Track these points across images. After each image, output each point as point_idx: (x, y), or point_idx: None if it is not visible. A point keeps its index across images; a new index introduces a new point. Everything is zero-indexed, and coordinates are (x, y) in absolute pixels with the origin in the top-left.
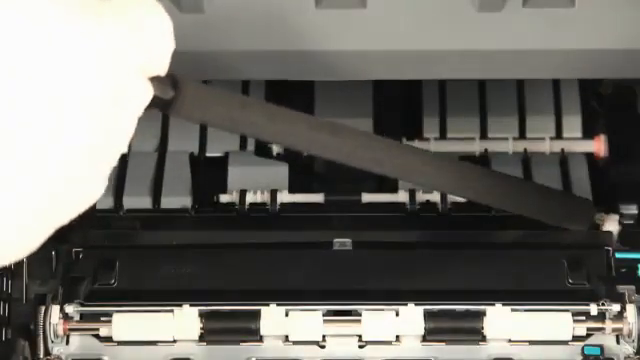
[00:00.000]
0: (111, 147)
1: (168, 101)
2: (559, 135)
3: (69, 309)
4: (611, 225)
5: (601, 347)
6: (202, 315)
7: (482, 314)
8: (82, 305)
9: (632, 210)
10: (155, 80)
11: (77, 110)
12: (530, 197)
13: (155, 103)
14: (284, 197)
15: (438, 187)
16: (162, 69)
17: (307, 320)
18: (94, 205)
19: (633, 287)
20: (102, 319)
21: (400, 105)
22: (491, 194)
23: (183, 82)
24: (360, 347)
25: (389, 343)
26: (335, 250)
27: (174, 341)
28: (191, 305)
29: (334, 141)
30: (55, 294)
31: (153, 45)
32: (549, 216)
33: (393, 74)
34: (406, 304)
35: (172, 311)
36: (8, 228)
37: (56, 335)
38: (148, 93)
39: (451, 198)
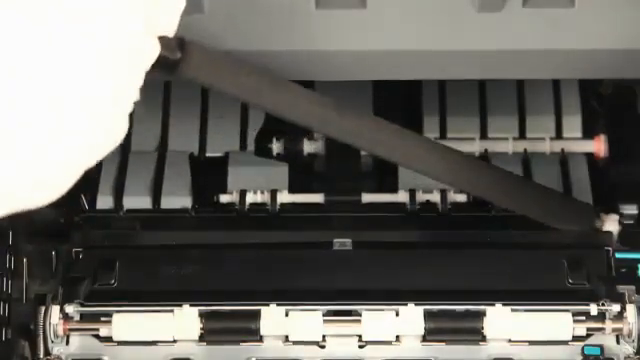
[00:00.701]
0: (121, 96)
1: (175, 62)
2: (559, 135)
3: (69, 309)
4: (611, 225)
5: (601, 347)
6: (202, 315)
7: (482, 314)
8: (82, 305)
9: (632, 210)
10: (163, 40)
11: (89, 61)
12: (530, 195)
13: (161, 63)
14: (284, 197)
15: (440, 176)
16: (171, 29)
17: (307, 320)
18: (94, 205)
19: (633, 287)
20: (102, 319)
21: (400, 105)
22: (490, 189)
23: (190, 44)
24: (360, 347)
25: (389, 343)
26: (335, 250)
27: (174, 341)
28: (191, 305)
29: (336, 117)
30: (55, 294)
31: (162, 2)
32: (548, 216)
33: (393, 74)
34: (406, 304)
35: (172, 311)
36: (42, 166)
37: (56, 335)
38: (155, 50)
39: (451, 198)
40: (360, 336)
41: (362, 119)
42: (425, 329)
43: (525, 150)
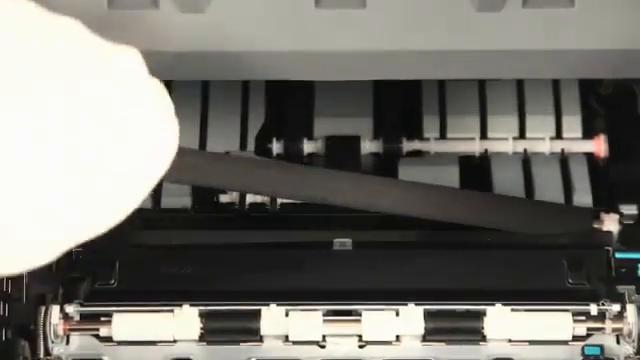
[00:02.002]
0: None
1: None
2: (559, 135)
3: (69, 309)
4: (611, 225)
5: (601, 347)
6: (202, 315)
7: (482, 314)
8: (82, 305)
9: (632, 210)
10: None
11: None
12: (514, 212)
13: None
14: None
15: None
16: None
17: (307, 320)
18: None
19: (633, 287)
20: (102, 319)
21: (400, 105)
22: (468, 214)
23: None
24: (360, 347)
25: (389, 343)
26: (335, 250)
27: (174, 341)
28: (191, 305)
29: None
30: (55, 294)
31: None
32: (541, 228)
33: (393, 74)
34: (406, 304)
35: (172, 311)
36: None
37: (56, 335)
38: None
39: None
40: (360, 336)
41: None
42: (425, 329)
43: (525, 150)
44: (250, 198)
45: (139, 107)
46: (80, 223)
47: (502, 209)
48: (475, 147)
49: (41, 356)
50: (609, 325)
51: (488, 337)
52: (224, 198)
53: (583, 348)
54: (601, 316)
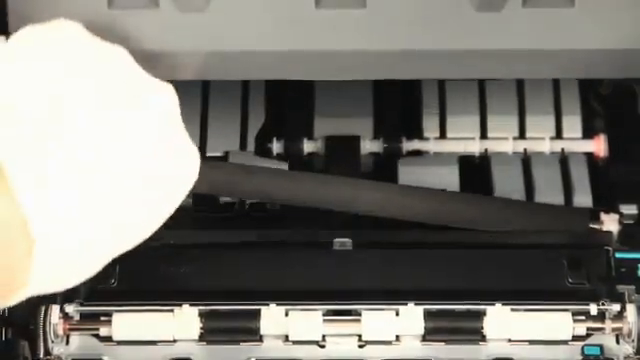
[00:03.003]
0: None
1: None
2: (559, 135)
3: (69, 309)
4: (611, 225)
5: (601, 347)
6: (202, 315)
7: (482, 314)
8: (82, 305)
9: (632, 210)
10: None
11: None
12: (511, 216)
13: None
14: None
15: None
16: None
17: (307, 320)
18: None
19: (633, 287)
20: (102, 319)
21: (400, 105)
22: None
23: None
24: (360, 347)
25: (389, 343)
26: (335, 250)
27: (174, 341)
28: (191, 305)
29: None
30: (55, 294)
31: None
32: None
33: (393, 74)
34: (406, 304)
35: (172, 311)
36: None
37: (56, 335)
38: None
39: None
40: (360, 336)
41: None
42: (425, 329)
43: (525, 150)
44: None
45: (171, 140)
46: (139, 234)
47: (494, 212)
48: (475, 147)
49: (41, 356)
50: (609, 325)
51: (488, 337)
52: (224, 198)
53: (583, 348)
54: (601, 316)
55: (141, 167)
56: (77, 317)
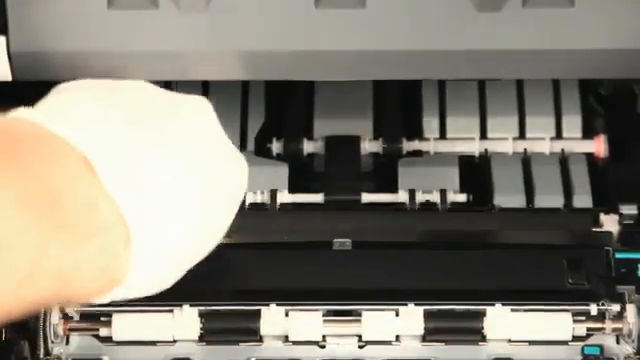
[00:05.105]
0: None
1: None
2: (559, 135)
3: (69, 309)
4: (611, 225)
5: (601, 347)
6: (202, 315)
7: (482, 314)
8: (82, 305)
9: (632, 210)
10: None
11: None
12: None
13: None
14: (284, 197)
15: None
16: None
17: (307, 320)
18: None
19: (633, 287)
20: (102, 319)
21: (400, 105)
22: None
23: None
24: (360, 347)
25: (389, 343)
26: (335, 250)
27: (174, 341)
28: (191, 305)
29: None
30: None
31: None
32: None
33: (393, 74)
34: (406, 304)
35: (172, 311)
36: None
37: (56, 335)
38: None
39: (451, 198)
40: (360, 336)
41: None
42: (425, 329)
43: (525, 150)
44: (250, 198)
45: (228, 144)
46: (217, 235)
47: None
48: (475, 147)
49: (41, 356)
50: (609, 325)
51: (488, 337)
52: None
53: (583, 348)
54: (601, 316)
55: (214, 170)
56: (77, 317)
